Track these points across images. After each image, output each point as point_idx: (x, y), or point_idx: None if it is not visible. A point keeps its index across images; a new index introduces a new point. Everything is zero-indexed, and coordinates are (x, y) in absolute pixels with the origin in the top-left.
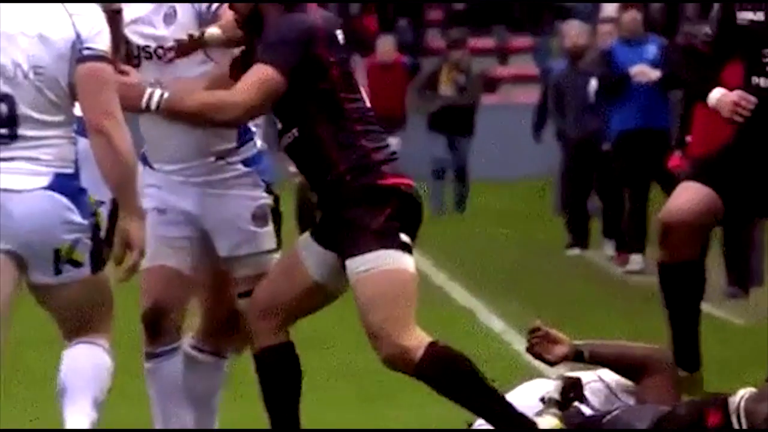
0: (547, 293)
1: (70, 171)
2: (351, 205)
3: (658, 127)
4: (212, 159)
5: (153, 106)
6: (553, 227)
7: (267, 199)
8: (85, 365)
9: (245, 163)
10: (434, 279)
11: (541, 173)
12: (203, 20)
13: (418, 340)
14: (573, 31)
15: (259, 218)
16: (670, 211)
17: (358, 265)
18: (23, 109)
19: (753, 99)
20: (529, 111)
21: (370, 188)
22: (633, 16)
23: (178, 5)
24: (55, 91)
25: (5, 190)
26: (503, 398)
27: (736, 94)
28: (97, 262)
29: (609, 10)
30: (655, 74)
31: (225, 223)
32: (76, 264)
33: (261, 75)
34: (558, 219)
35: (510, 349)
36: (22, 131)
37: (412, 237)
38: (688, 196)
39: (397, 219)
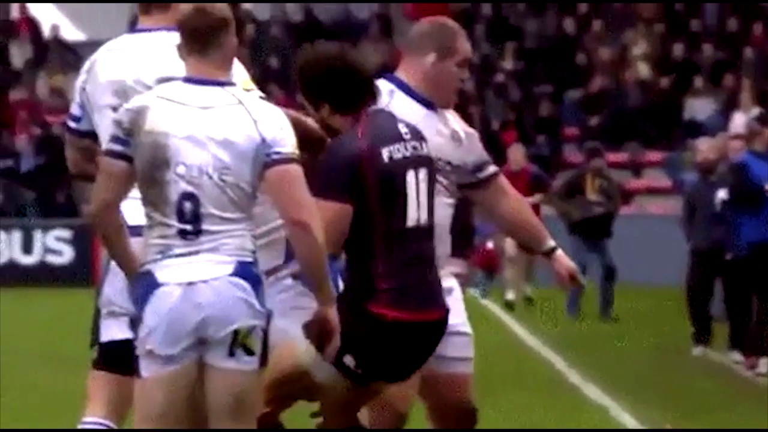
0: (677, 392)
1: (250, 260)
2: (338, 306)
3: None
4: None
5: None
6: (682, 330)
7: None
8: None
9: (294, 276)
10: (569, 378)
11: (672, 279)
12: None
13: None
14: (704, 146)
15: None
16: None
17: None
18: (207, 207)
19: None
20: (661, 221)
21: (357, 305)
22: None
23: None
24: (236, 191)
25: (191, 284)
26: None
27: None
28: (265, 356)
29: (737, 126)
30: None
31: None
32: (249, 352)
33: (325, 215)
34: (687, 323)
35: None
36: (205, 227)
37: (373, 364)
38: None
39: (356, 344)
